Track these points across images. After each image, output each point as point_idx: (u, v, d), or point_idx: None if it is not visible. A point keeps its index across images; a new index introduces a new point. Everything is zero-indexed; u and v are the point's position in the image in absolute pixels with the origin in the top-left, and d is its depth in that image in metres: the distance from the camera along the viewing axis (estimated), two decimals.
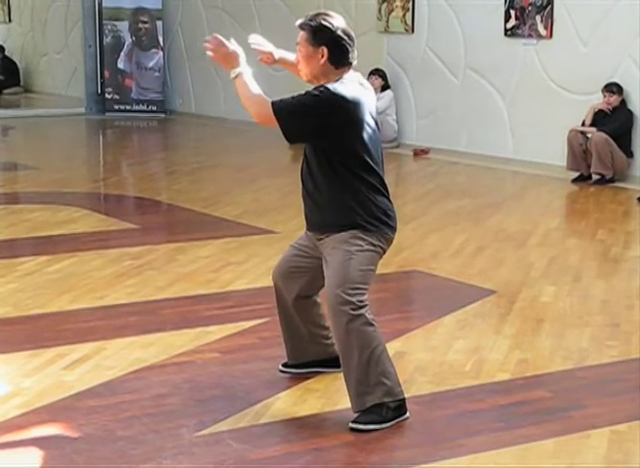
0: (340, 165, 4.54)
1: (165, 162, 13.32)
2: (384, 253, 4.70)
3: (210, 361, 5.39)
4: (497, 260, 7.66)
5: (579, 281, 7.15)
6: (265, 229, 8.63)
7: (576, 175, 11.23)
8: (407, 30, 13.59)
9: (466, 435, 4.47)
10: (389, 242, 4.69)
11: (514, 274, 7.29)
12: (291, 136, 4.55)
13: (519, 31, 12.22)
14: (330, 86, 4.49)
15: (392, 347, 5.42)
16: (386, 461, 4.30)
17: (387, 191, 4.70)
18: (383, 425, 4.51)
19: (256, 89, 4.58)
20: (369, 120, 4.60)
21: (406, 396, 4.63)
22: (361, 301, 4.51)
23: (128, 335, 5.78)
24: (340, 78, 4.57)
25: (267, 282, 6.92)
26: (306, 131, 4.52)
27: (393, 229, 4.68)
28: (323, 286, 4.70)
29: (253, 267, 7.37)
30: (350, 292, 4.49)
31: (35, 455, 4.27)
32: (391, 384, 4.55)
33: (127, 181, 11.89)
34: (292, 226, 8.70)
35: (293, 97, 4.51)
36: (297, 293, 4.88)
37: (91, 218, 9.12)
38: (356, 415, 4.55)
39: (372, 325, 4.54)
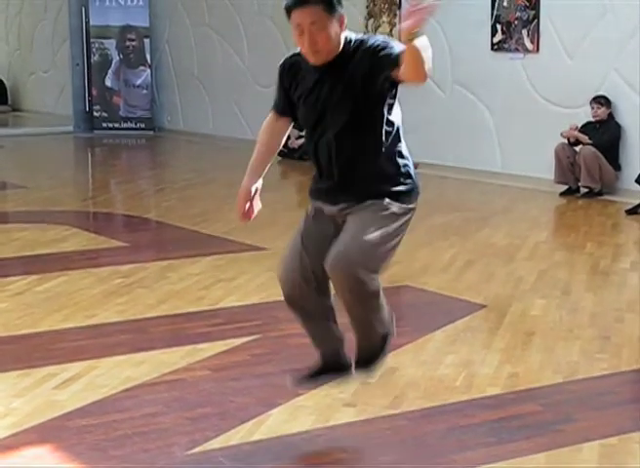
0: (387, 119, 4.34)
1: (154, 179, 13.32)
2: None
3: (201, 378, 5.38)
4: (486, 274, 7.68)
5: (568, 294, 7.16)
6: (255, 246, 8.63)
7: (564, 188, 11.27)
8: None
9: (458, 450, 4.46)
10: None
11: (504, 288, 7.31)
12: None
13: (506, 45, 12.28)
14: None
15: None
16: None
17: None
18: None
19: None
20: None
21: (397, 411, 4.63)
22: (373, 278, 4.44)
23: (118, 354, 5.77)
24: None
25: (257, 298, 6.99)
26: None
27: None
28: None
29: (243, 284, 7.38)
30: (373, 275, 4.44)
31: None
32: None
33: (116, 199, 11.90)
34: (281, 243, 8.67)
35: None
36: (317, 300, 4.51)
37: (80, 237, 9.11)
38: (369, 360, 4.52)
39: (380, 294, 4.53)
